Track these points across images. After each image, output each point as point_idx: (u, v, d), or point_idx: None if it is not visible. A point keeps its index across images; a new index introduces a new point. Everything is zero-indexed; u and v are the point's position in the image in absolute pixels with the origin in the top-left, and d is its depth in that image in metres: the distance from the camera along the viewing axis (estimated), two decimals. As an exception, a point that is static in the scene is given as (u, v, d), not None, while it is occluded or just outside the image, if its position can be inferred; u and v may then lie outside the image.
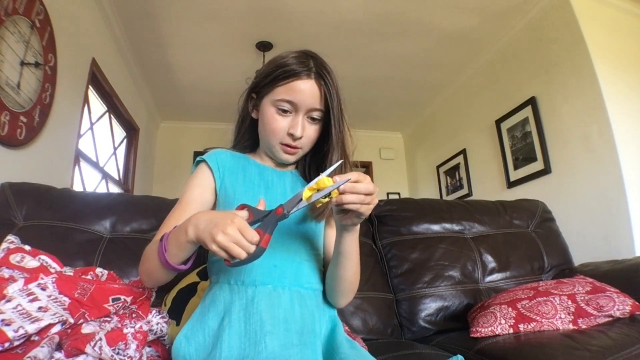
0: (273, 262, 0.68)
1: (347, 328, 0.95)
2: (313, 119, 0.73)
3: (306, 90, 0.70)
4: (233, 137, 0.84)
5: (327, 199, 0.56)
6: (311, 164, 0.80)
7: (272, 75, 0.72)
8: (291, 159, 0.76)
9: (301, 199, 0.57)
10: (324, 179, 0.56)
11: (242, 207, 0.60)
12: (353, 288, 0.73)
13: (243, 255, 0.51)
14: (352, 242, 0.66)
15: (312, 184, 0.57)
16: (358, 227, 0.64)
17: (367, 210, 0.58)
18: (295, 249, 0.71)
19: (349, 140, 0.74)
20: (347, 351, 0.63)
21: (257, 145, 0.83)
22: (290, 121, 0.72)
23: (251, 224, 0.56)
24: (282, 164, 0.80)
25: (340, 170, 0.68)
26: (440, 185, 3.65)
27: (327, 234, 0.78)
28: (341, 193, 0.55)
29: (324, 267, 0.77)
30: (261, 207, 0.60)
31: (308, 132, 0.73)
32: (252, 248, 0.52)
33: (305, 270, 0.71)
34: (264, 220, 0.57)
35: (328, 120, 0.72)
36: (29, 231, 1.04)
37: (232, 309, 0.64)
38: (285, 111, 0.71)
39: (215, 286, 0.69)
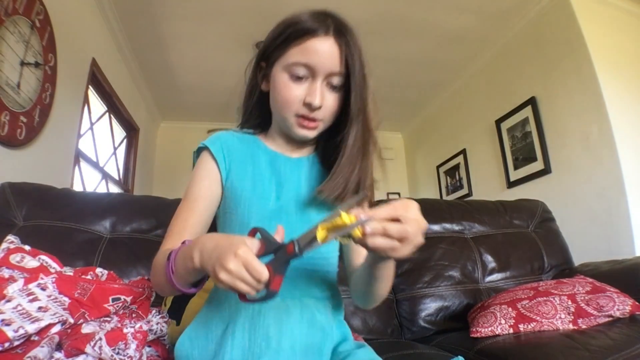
0: None
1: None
2: (333, 86, 0.62)
3: (324, 50, 0.59)
4: (240, 115, 0.74)
5: (348, 239, 0.46)
6: (330, 143, 0.68)
7: (284, 35, 0.61)
8: (310, 134, 0.64)
9: (316, 237, 0.46)
10: (342, 216, 0.45)
11: (254, 231, 0.50)
12: (384, 295, 0.65)
13: (252, 293, 0.44)
14: (387, 268, 0.57)
15: (327, 220, 0.46)
16: None
17: (403, 253, 0.46)
18: (307, 255, 0.66)
19: (372, 112, 0.62)
20: (360, 355, 0.60)
21: (269, 125, 0.72)
22: (307, 88, 0.61)
23: (262, 256, 0.47)
24: (298, 147, 0.70)
25: (362, 197, 0.58)
26: (440, 185, 3.65)
27: None
28: (367, 232, 0.44)
29: (347, 263, 0.71)
30: (279, 237, 0.50)
31: (328, 102, 0.62)
32: (260, 287, 0.44)
33: (317, 279, 0.65)
34: (275, 257, 0.47)
35: (349, 88, 0.61)
36: (29, 231, 1.04)
37: (237, 318, 0.59)
38: (300, 77, 0.61)
39: (221, 290, 0.64)
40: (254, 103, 0.71)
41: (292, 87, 0.61)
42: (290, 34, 0.61)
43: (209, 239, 0.49)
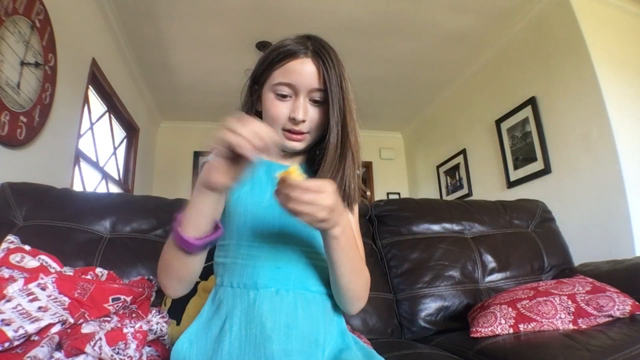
0: (276, 263, 0.65)
1: (349, 326, 0.95)
2: (316, 101, 0.68)
3: (303, 70, 0.66)
4: None
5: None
6: (318, 153, 0.74)
7: (269, 59, 0.69)
8: (298, 145, 0.70)
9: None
10: (290, 171, 0.52)
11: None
12: (358, 295, 0.67)
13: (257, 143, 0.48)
14: (334, 250, 0.59)
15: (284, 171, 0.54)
16: (339, 234, 0.57)
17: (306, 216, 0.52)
18: (300, 250, 0.67)
19: (352, 123, 0.68)
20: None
21: None
22: (291, 105, 0.67)
23: None
24: (291, 157, 0.75)
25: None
26: (440, 185, 3.65)
27: None
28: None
29: None
30: None
31: (312, 115, 0.68)
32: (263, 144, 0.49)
33: (312, 272, 0.67)
34: None
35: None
36: (29, 231, 1.04)
37: (234, 312, 0.61)
38: (284, 95, 0.67)
39: (220, 289, 0.67)
40: None
41: (277, 105, 0.68)
42: (274, 58, 0.68)
43: None
